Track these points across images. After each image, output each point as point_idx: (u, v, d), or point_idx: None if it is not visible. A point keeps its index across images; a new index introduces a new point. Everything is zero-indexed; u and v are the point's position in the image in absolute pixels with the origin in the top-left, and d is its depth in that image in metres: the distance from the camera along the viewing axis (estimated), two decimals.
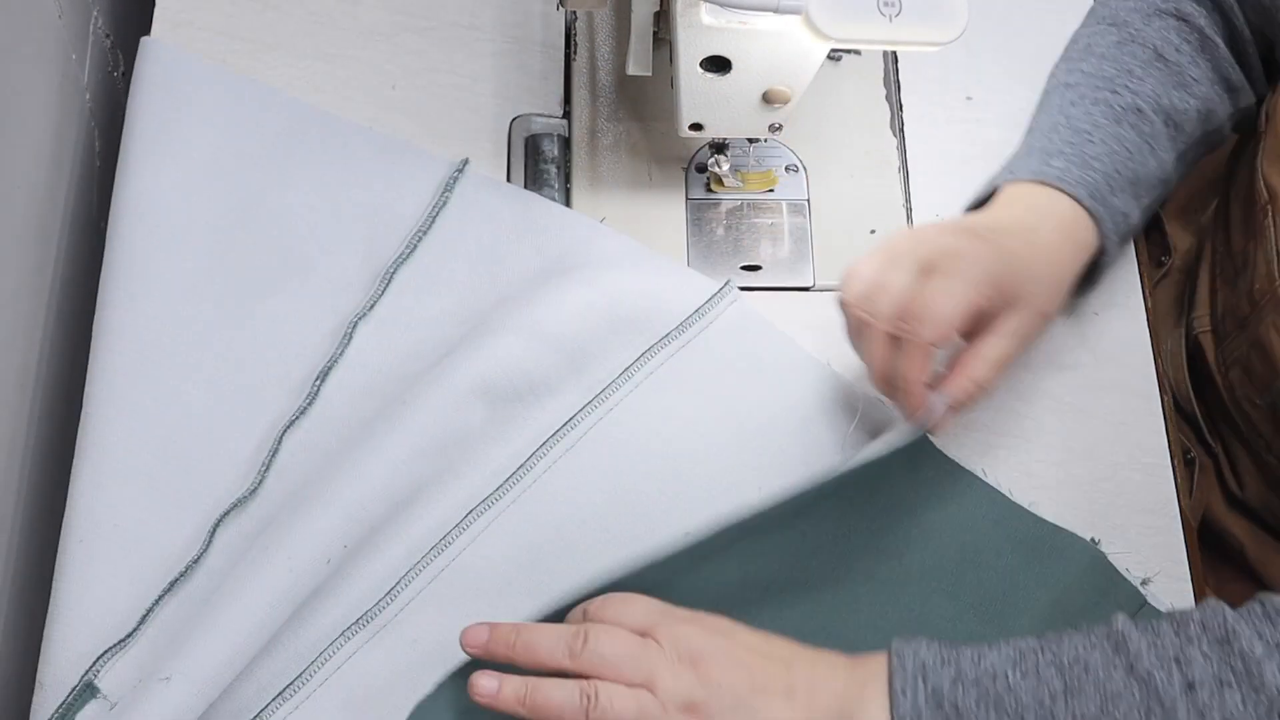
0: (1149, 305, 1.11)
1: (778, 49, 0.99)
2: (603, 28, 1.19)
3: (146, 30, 1.14)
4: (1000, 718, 0.83)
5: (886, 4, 0.94)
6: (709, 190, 1.13)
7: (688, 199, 1.13)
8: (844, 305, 0.97)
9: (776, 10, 0.94)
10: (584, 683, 0.84)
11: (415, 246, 1.07)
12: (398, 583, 0.96)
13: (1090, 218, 1.01)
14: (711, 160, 1.12)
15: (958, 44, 0.97)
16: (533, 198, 1.10)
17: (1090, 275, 1.04)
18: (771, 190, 1.14)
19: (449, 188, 1.09)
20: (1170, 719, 0.82)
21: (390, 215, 1.08)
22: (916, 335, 0.94)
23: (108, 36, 1.21)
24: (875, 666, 0.86)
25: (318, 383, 1.03)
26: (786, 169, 1.15)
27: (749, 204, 1.13)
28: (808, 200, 1.14)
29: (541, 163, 1.13)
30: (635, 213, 1.12)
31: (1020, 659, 0.85)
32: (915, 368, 0.94)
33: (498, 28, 1.18)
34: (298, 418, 1.01)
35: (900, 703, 0.84)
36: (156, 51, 1.12)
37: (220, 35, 1.15)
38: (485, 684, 0.85)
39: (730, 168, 1.12)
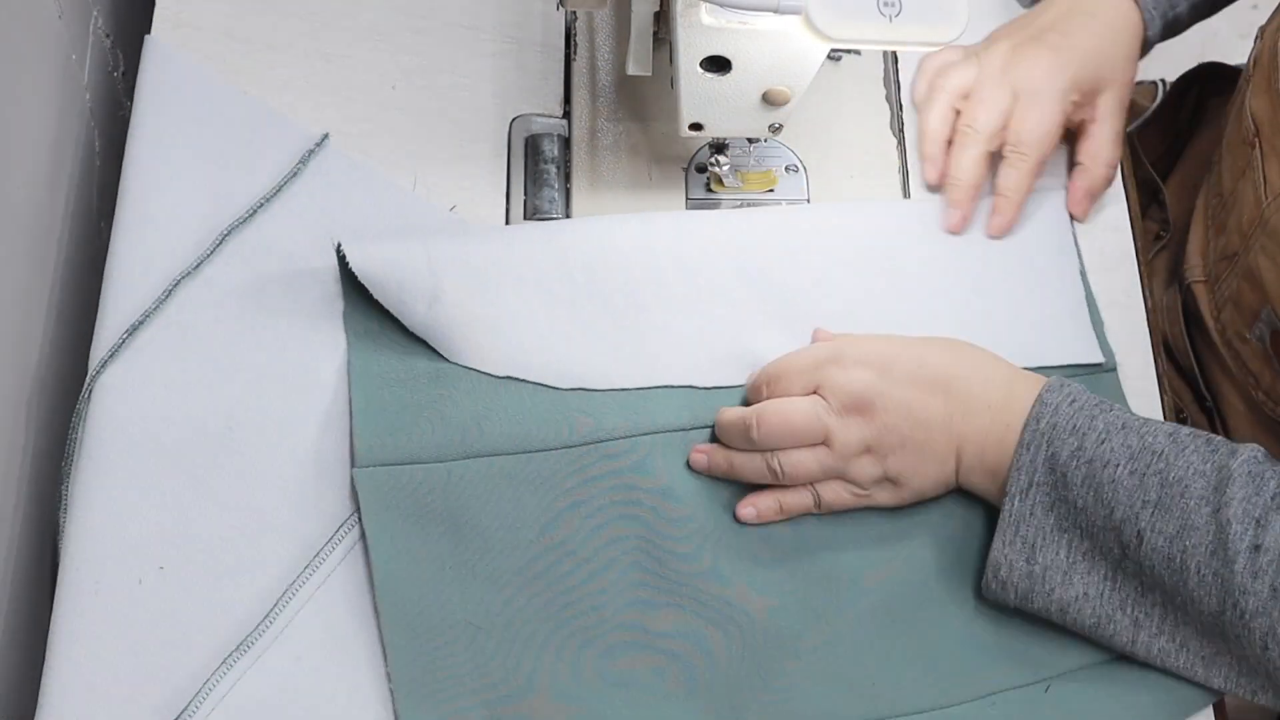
0: (1149, 305, 1.11)
1: (778, 49, 0.99)
2: (603, 28, 1.19)
3: (146, 30, 1.14)
4: (1095, 503, 0.92)
5: (886, 4, 0.94)
6: (709, 190, 1.13)
7: (688, 199, 1.13)
8: (924, 71, 1.13)
9: (776, 10, 0.94)
10: (769, 455, 0.97)
11: (255, 213, 1.07)
12: (276, 603, 0.95)
13: (1135, 6, 1.11)
14: (711, 160, 1.12)
15: (958, 44, 0.97)
16: (387, 181, 1.10)
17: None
18: (771, 190, 1.14)
19: (304, 160, 1.09)
20: (1228, 569, 0.89)
21: (239, 181, 1.08)
22: (1024, 159, 1.08)
23: (108, 36, 1.21)
24: (1019, 410, 0.95)
25: (125, 335, 1.02)
26: (786, 169, 1.15)
27: (749, 204, 1.13)
28: (808, 200, 1.14)
29: (541, 163, 1.13)
30: (635, 213, 1.12)
31: (1135, 458, 0.92)
32: (1020, 183, 1.08)
33: (498, 28, 1.18)
34: (102, 369, 1.01)
35: (1021, 455, 0.94)
36: (160, 51, 1.12)
37: (220, 35, 1.15)
38: (695, 457, 1.00)
39: (730, 168, 1.12)
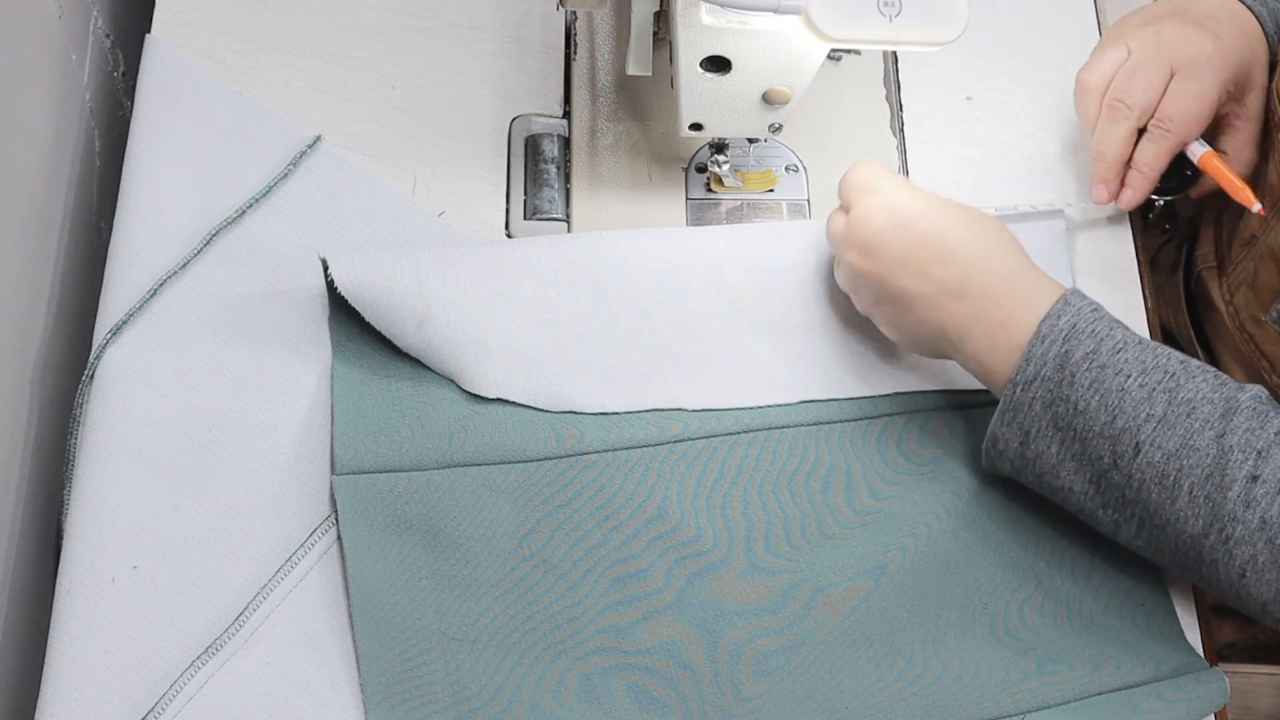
0: (1149, 305, 1.11)
1: (778, 49, 0.99)
2: (603, 28, 1.19)
3: (147, 30, 1.14)
4: (1099, 408, 0.93)
5: (886, 4, 0.94)
6: (709, 190, 1.13)
7: (688, 199, 1.13)
8: (1089, 89, 1.09)
9: (776, 10, 0.94)
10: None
11: (244, 213, 1.07)
12: (247, 606, 0.95)
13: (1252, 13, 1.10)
14: (711, 160, 1.12)
15: (958, 44, 0.97)
16: (377, 184, 1.10)
17: None
18: (771, 190, 1.14)
19: (295, 162, 1.09)
20: (1222, 493, 0.90)
21: (232, 183, 1.08)
22: (1168, 137, 1.07)
23: (108, 36, 1.21)
24: (1044, 300, 0.96)
25: (109, 335, 1.02)
26: (786, 169, 1.15)
27: (749, 204, 1.13)
28: (808, 200, 1.14)
29: (541, 163, 1.13)
30: (635, 213, 1.12)
31: (1146, 373, 0.93)
32: (1156, 159, 1.08)
33: (498, 28, 1.18)
34: (92, 368, 1.00)
35: (1034, 345, 0.94)
36: (160, 51, 1.12)
37: (220, 35, 1.15)
38: None
39: (730, 168, 1.12)
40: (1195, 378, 0.93)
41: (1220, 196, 1.13)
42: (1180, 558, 0.94)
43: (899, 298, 0.98)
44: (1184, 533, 0.92)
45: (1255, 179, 1.11)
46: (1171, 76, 1.07)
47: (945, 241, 0.97)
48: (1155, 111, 1.07)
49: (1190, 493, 0.91)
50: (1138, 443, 0.92)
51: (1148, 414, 0.92)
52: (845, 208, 1.01)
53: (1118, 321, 0.96)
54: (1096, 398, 0.93)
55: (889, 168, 1.02)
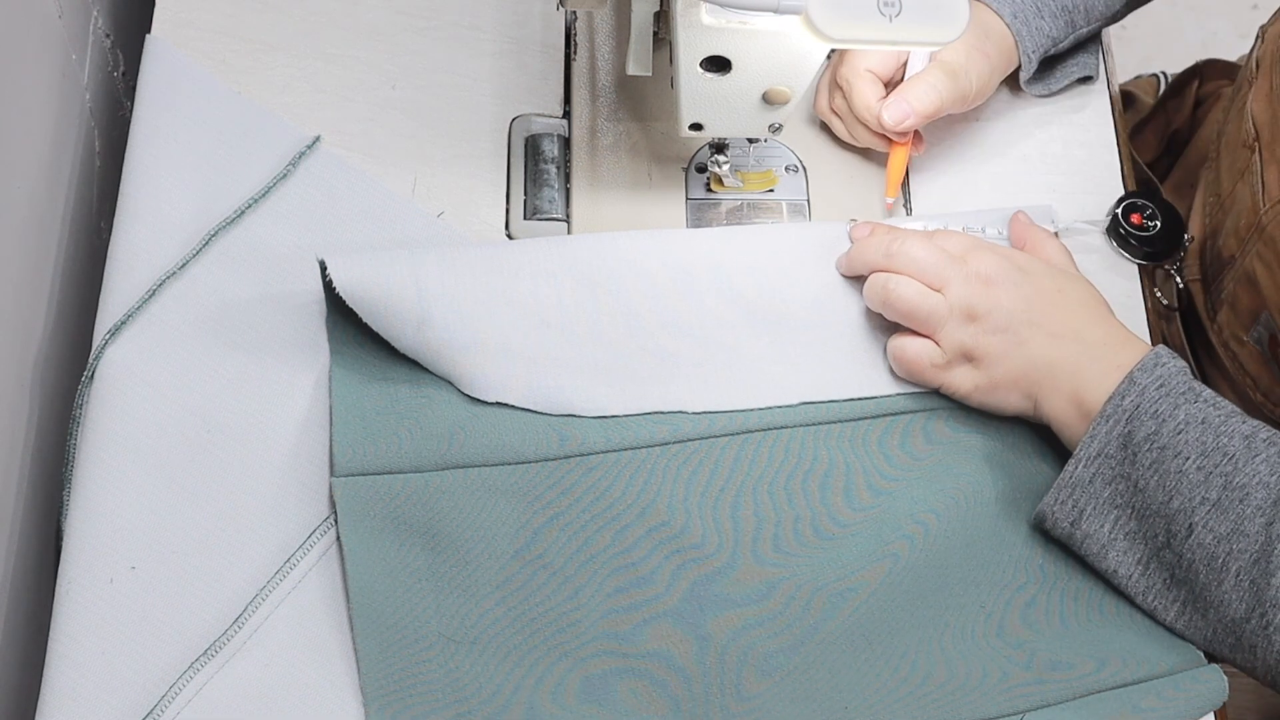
0: (1149, 305, 1.11)
1: (778, 49, 0.99)
2: (603, 28, 1.19)
3: (147, 30, 1.14)
4: (1156, 488, 0.94)
5: (886, 4, 0.94)
6: (709, 190, 1.13)
7: (688, 199, 1.13)
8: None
9: (776, 10, 0.94)
10: (890, 274, 1.01)
11: (243, 213, 1.07)
12: (246, 607, 0.94)
13: (1012, 34, 1.11)
14: (711, 160, 1.12)
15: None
16: (376, 184, 1.10)
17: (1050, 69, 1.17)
18: (771, 190, 1.14)
19: (294, 162, 1.09)
20: (1265, 580, 0.91)
21: (232, 183, 1.08)
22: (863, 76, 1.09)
23: (108, 36, 1.21)
24: (1116, 374, 0.96)
25: (108, 335, 1.01)
26: (786, 169, 1.15)
27: (749, 204, 1.13)
28: (808, 200, 1.14)
29: (541, 163, 1.13)
30: (635, 213, 1.12)
31: (1206, 455, 0.94)
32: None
33: (498, 28, 1.18)
34: (91, 368, 1.00)
35: (1098, 425, 0.96)
36: (161, 50, 1.12)
37: (220, 35, 1.15)
38: (857, 230, 1.06)
39: (730, 168, 1.12)
40: (1256, 459, 0.94)
41: (1204, 207, 1.14)
42: (1220, 641, 0.95)
43: (1018, 333, 0.99)
44: (1226, 616, 0.93)
45: (1231, 200, 1.11)
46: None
47: (1063, 295, 1.00)
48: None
49: (1236, 576, 0.92)
50: (1191, 524, 0.93)
51: (1203, 497, 0.93)
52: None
53: (1186, 391, 0.96)
54: (1155, 478, 0.94)
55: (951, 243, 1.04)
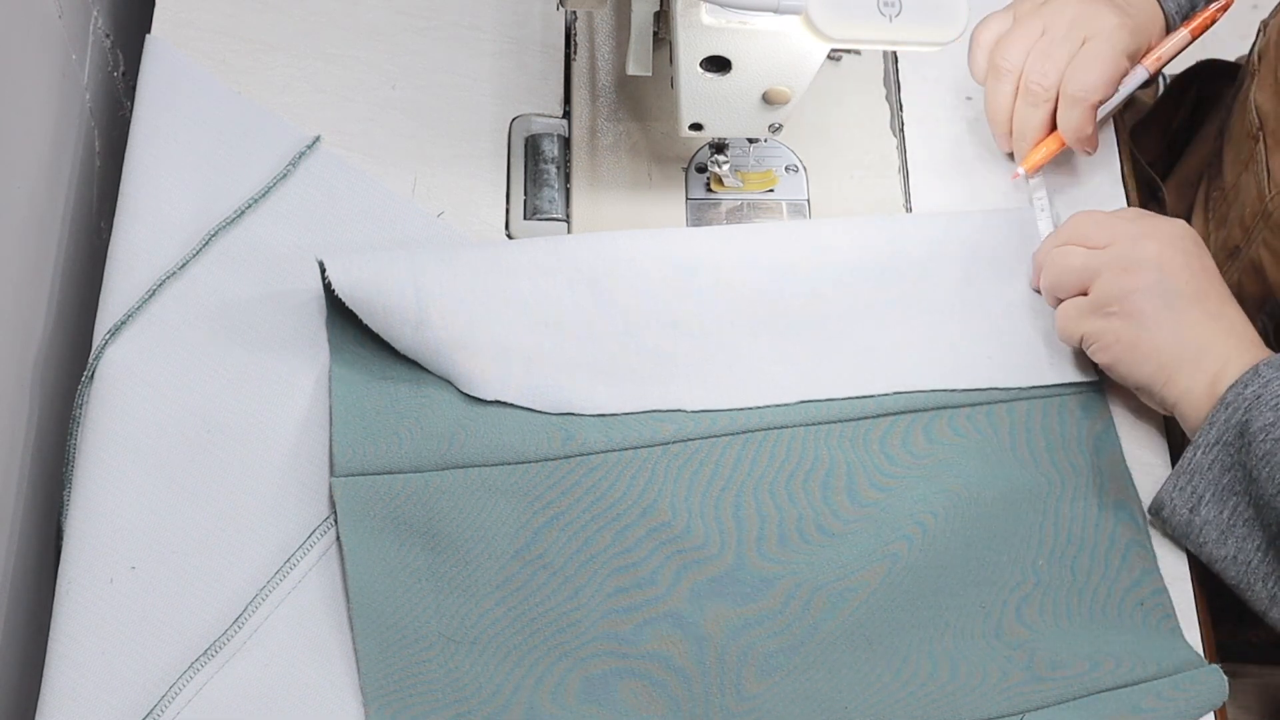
0: None
1: (778, 49, 0.99)
2: (603, 28, 1.19)
3: (147, 30, 1.14)
4: (1268, 479, 0.94)
5: (886, 4, 0.94)
6: (709, 190, 1.13)
7: (688, 199, 1.13)
8: (999, 88, 1.09)
9: (776, 10, 0.94)
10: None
11: (243, 213, 1.07)
12: (246, 607, 0.94)
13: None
14: (711, 160, 1.12)
15: (958, 44, 0.97)
16: (376, 184, 1.10)
17: None
18: (771, 190, 1.14)
19: (294, 162, 1.09)
20: None
21: (231, 183, 1.08)
22: (1086, 98, 1.07)
23: (108, 36, 1.21)
24: (1238, 365, 0.97)
25: (108, 335, 1.01)
26: (786, 169, 1.15)
27: (749, 204, 1.13)
28: (808, 200, 1.14)
29: (541, 163, 1.13)
30: (635, 213, 1.12)
31: None
32: (1081, 122, 1.08)
33: (498, 28, 1.18)
34: (91, 368, 1.00)
35: (1218, 411, 0.96)
36: (161, 50, 1.12)
37: (220, 35, 1.15)
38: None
39: (730, 168, 1.12)
40: None
41: (1208, 201, 1.14)
42: None
43: (1156, 317, 0.99)
44: None
45: (1235, 192, 1.11)
46: (1081, 49, 1.08)
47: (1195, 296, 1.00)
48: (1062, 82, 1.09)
49: None
50: None
51: None
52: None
53: None
54: (1268, 469, 0.94)
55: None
